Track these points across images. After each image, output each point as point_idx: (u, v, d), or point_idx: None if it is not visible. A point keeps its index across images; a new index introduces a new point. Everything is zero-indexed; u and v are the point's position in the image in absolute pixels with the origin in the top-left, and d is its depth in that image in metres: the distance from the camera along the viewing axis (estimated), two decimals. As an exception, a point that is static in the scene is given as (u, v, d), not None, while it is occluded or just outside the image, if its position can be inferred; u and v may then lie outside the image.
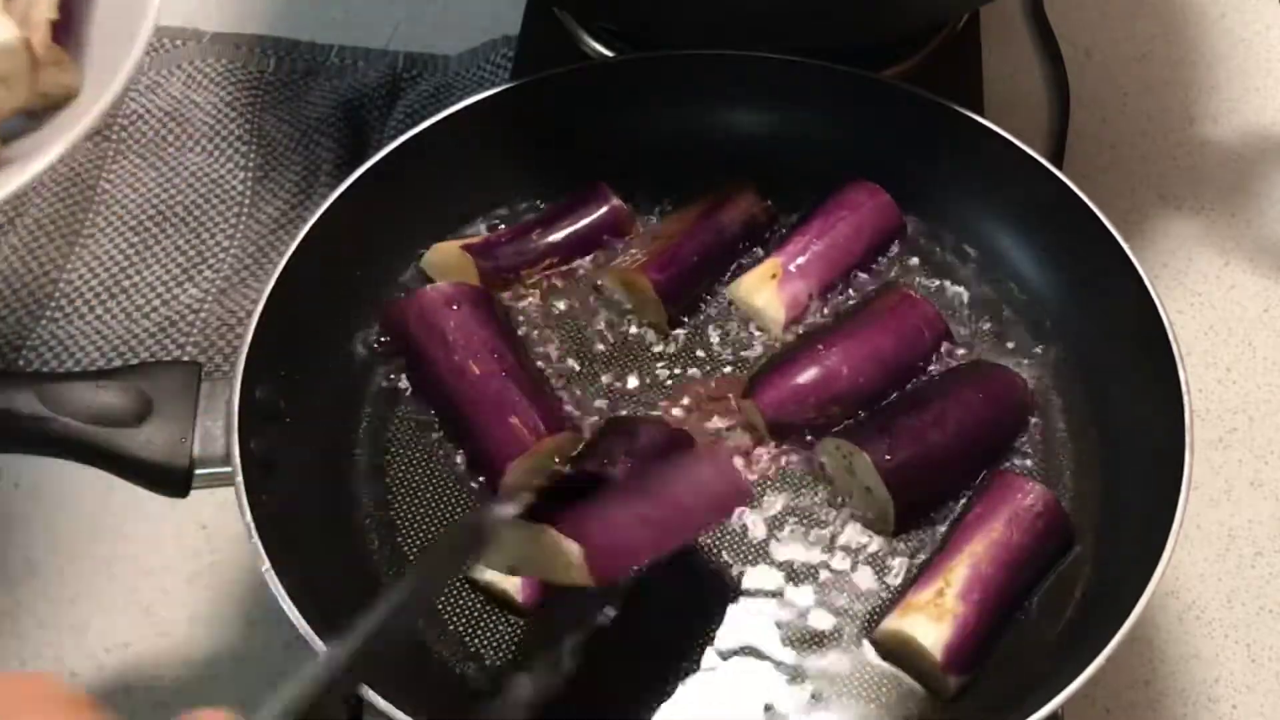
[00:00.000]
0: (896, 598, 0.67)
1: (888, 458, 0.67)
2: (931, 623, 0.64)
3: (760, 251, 0.79)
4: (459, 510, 0.71)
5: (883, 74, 0.85)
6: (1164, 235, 0.93)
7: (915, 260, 0.80)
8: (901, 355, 0.73)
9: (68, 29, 0.69)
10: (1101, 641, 0.61)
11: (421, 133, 0.77)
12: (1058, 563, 0.68)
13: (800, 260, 0.77)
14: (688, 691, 0.65)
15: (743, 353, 0.76)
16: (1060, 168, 0.81)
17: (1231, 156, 0.98)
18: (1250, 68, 1.03)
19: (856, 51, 0.82)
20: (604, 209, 0.79)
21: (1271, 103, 1.01)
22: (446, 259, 0.78)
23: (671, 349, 0.76)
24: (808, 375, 0.72)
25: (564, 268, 0.79)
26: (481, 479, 0.71)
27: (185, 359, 0.86)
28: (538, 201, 0.81)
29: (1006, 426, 0.72)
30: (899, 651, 0.65)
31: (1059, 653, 0.65)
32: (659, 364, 0.76)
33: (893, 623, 0.65)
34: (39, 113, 0.69)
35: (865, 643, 0.66)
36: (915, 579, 0.67)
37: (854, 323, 0.75)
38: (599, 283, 0.78)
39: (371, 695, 0.58)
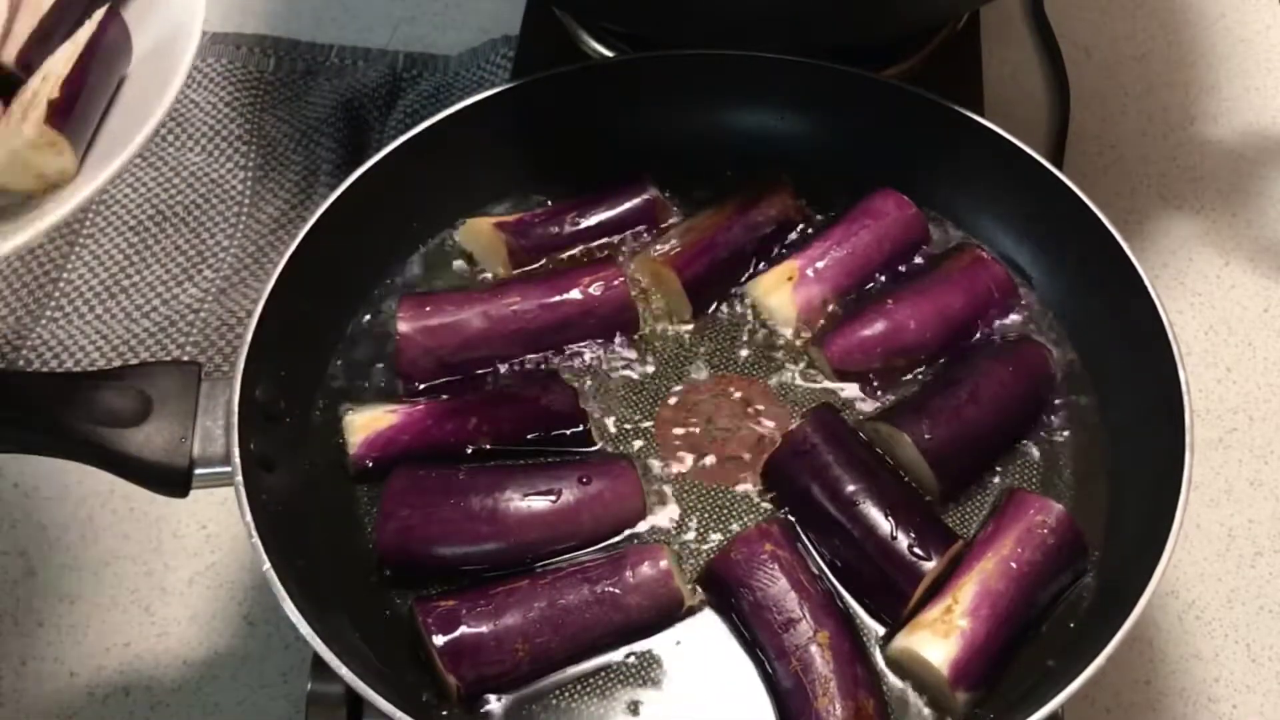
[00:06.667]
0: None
1: (927, 437, 0.69)
2: (938, 639, 0.64)
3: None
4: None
5: (883, 74, 0.85)
6: (1164, 235, 0.93)
7: (918, 260, 0.79)
8: (969, 313, 0.76)
9: (68, 113, 0.66)
10: (1101, 641, 0.61)
11: (422, 132, 0.77)
12: (1079, 578, 0.67)
13: (819, 264, 0.77)
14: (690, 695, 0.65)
15: (755, 348, 0.76)
16: (1060, 168, 0.81)
17: (1231, 156, 0.97)
18: (1250, 68, 1.03)
19: (856, 51, 0.82)
20: (642, 198, 0.80)
21: (1271, 103, 1.01)
22: (478, 235, 0.78)
23: (687, 339, 0.76)
24: (876, 327, 0.74)
25: (594, 246, 0.79)
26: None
27: (185, 359, 0.86)
28: (538, 201, 0.81)
29: (1038, 396, 0.74)
30: (910, 669, 0.65)
31: (1059, 653, 0.65)
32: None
33: (901, 640, 0.65)
34: (38, 194, 0.66)
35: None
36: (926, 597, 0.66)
37: (925, 281, 0.76)
38: (630, 267, 0.78)
39: (371, 695, 0.58)
